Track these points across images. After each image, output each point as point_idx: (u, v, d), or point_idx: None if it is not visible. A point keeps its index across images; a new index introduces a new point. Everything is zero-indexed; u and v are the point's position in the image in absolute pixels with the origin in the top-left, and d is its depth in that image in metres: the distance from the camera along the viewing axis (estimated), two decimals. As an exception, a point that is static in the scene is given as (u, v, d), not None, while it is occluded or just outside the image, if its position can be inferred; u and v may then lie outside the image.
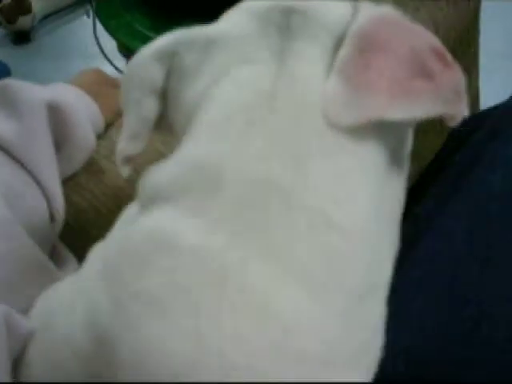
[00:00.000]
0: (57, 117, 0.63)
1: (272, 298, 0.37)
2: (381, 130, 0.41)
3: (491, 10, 1.31)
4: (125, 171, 0.49)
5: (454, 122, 0.41)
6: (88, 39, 1.61)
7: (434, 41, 0.42)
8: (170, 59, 0.46)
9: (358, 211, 0.39)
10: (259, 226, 0.38)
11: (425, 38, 0.42)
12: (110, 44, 1.61)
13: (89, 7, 1.57)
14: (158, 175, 0.43)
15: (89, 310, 0.40)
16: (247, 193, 0.39)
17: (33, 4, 1.77)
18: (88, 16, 1.60)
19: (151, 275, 0.38)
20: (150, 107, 0.47)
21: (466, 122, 0.84)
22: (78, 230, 0.65)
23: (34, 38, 1.83)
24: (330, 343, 0.37)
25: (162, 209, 0.40)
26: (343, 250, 0.38)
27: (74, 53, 1.74)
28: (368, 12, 0.43)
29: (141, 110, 0.47)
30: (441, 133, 0.81)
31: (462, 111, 0.41)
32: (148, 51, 0.47)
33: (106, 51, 1.60)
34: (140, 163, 0.48)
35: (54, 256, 0.62)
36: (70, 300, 0.44)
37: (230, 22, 0.46)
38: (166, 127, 0.48)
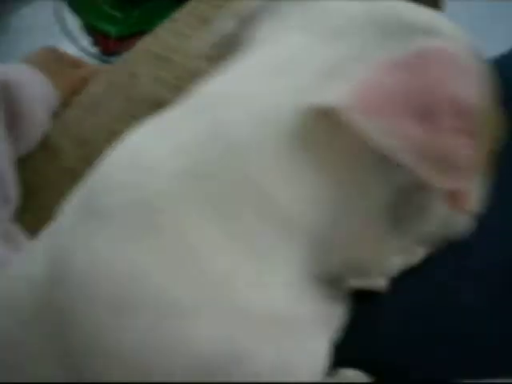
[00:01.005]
0: (7, 95, 0.62)
1: (211, 260, 0.37)
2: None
3: (494, 12, 1.32)
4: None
5: (459, 207, 0.37)
6: (51, 18, 1.59)
7: (471, 99, 0.35)
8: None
9: (311, 210, 0.38)
10: (217, 194, 0.37)
11: (465, 91, 0.36)
12: (74, 22, 1.59)
13: (52, -15, 1.55)
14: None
15: (51, 234, 0.41)
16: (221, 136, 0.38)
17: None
18: (50, -6, 1.57)
19: (113, 192, 0.38)
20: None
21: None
22: (32, 210, 0.64)
23: (-5, 16, 1.80)
24: (275, 308, 0.38)
25: (136, 132, 0.41)
26: (283, 235, 0.38)
27: (37, 31, 1.71)
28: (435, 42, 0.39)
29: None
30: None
31: (455, 185, 0.35)
32: None
33: (70, 30, 1.58)
34: (91, 142, 0.48)
35: (8, 240, 0.60)
36: (31, 249, 0.44)
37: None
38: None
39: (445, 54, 0.37)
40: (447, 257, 0.59)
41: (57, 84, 0.70)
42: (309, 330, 0.40)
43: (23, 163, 0.65)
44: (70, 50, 0.81)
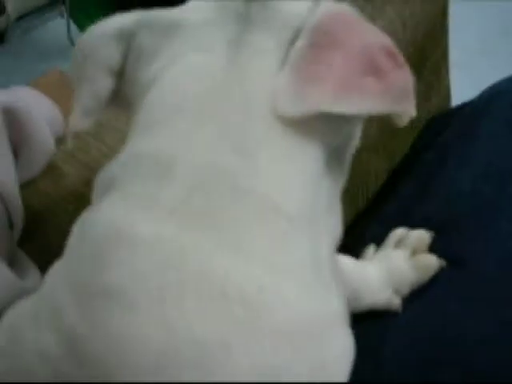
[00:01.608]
0: (14, 121, 0.62)
1: (232, 278, 0.37)
2: (327, 125, 0.42)
3: (466, 7, 1.31)
4: (69, 144, 0.50)
5: (402, 123, 0.42)
6: (63, 40, 1.60)
7: (387, 41, 0.43)
8: (128, 39, 0.46)
9: (300, 199, 0.40)
10: (210, 213, 0.38)
11: (378, 38, 0.43)
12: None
13: (63, 8, 1.56)
14: (110, 167, 0.43)
15: (54, 315, 0.40)
16: (196, 180, 0.39)
17: (7, 4, 1.75)
18: (62, 16, 1.59)
19: (110, 269, 0.38)
20: (104, 85, 0.47)
21: (435, 121, 0.84)
22: (37, 235, 0.64)
23: (8, 38, 1.81)
24: (298, 309, 0.38)
25: (115, 200, 0.41)
26: (290, 232, 0.39)
27: (48, 54, 1.73)
28: (326, 8, 0.43)
29: (95, 86, 0.47)
30: (410, 132, 0.81)
31: (409, 111, 0.42)
32: (106, 28, 0.47)
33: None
34: (96, 165, 0.48)
35: (14, 265, 0.60)
36: (34, 311, 0.43)
37: (191, 7, 0.46)
38: (121, 104, 0.48)
39: (346, 14, 0.44)
40: (457, 285, 0.59)
41: (63, 108, 0.70)
42: (333, 328, 0.41)
43: (27, 187, 0.64)
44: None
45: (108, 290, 0.38)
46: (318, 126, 0.41)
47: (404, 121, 0.42)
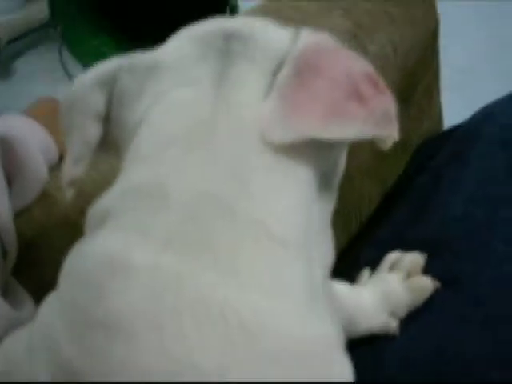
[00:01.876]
0: (8, 150, 0.62)
1: (230, 303, 0.37)
2: (316, 151, 0.43)
3: (453, 27, 1.32)
4: (69, 193, 0.50)
5: (386, 146, 0.44)
6: (55, 63, 1.60)
7: (368, 67, 0.44)
8: (111, 85, 0.47)
9: (293, 224, 0.41)
10: (206, 241, 0.39)
11: (359, 64, 0.45)
12: (77, 68, 1.60)
13: (55, 31, 1.57)
14: (104, 200, 0.44)
15: (49, 348, 0.40)
16: (190, 208, 0.39)
17: (-2, 28, 1.76)
18: (54, 40, 1.59)
19: (108, 300, 0.38)
20: (93, 131, 0.48)
21: (427, 144, 0.84)
22: (31, 264, 0.64)
23: (-1, 62, 1.81)
24: (295, 335, 0.38)
25: (110, 231, 0.41)
26: (285, 258, 0.40)
27: (40, 77, 1.72)
28: (307, 38, 0.45)
29: (83, 134, 0.48)
30: (403, 155, 0.81)
31: (392, 135, 0.43)
32: (89, 77, 0.48)
33: (73, 75, 1.59)
34: (90, 193, 0.48)
35: (7, 295, 0.60)
36: (29, 344, 0.43)
37: (171, 46, 0.48)
38: (111, 149, 0.49)
39: (327, 43, 0.45)
40: (452, 306, 0.59)
41: (56, 136, 0.70)
42: (330, 354, 0.40)
43: (20, 215, 0.64)
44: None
45: (105, 321, 0.37)
46: (308, 151, 0.42)
47: (388, 144, 0.43)
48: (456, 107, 0.96)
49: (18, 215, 0.64)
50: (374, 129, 0.42)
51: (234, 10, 1.51)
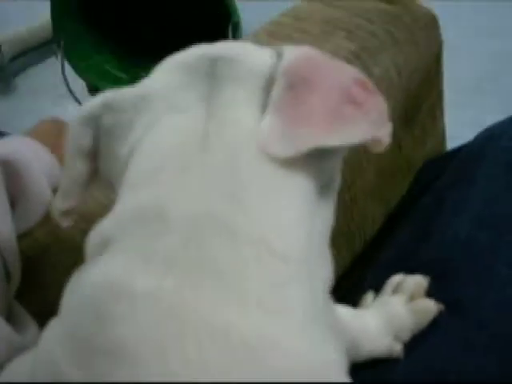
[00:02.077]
0: (11, 172, 0.62)
1: (234, 326, 0.37)
2: (312, 163, 0.43)
3: (458, 46, 1.33)
4: (64, 224, 0.52)
5: (380, 148, 0.45)
6: (57, 79, 1.60)
7: (356, 72, 0.46)
8: (96, 122, 0.48)
9: (294, 238, 0.41)
10: (208, 263, 0.39)
11: (348, 71, 0.46)
12: (79, 84, 1.61)
13: (57, 48, 1.57)
14: (102, 226, 0.44)
15: (53, 375, 0.39)
16: (190, 230, 0.39)
17: (1, 44, 1.76)
18: (56, 56, 1.59)
19: (111, 326, 0.38)
20: (80, 168, 0.49)
21: (431, 164, 0.84)
22: (35, 287, 0.64)
23: (2, 78, 1.82)
24: (299, 358, 0.38)
25: (111, 257, 0.41)
26: (288, 275, 0.40)
27: (43, 93, 1.73)
28: (292, 52, 0.46)
29: (71, 172, 0.49)
30: (407, 176, 0.81)
31: (387, 135, 0.44)
32: (78, 115, 0.49)
33: (76, 91, 1.60)
34: (94, 214, 0.49)
35: (11, 319, 0.59)
36: (32, 371, 0.42)
37: (157, 76, 0.48)
38: (104, 182, 0.50)
39: (314, 54, 0.46)
40: (455, 329, 0.59)
41: (60, 157, 0.70)
42: (333, 377, 0.40)
43: (23, 238, 0.64)
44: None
45: (109, 346, 0.37)
46: (305, 164, 0.42)
47: (382, 146, 0.45)
48: (462, 127, 0.97)
49: (22, 237, 0.63)
50: (373, 130, 0.43)
51: (236, 27, 1.51)
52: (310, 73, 0.44)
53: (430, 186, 0.75)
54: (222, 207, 0.40)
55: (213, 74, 0.45)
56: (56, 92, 1.63)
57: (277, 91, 0.43)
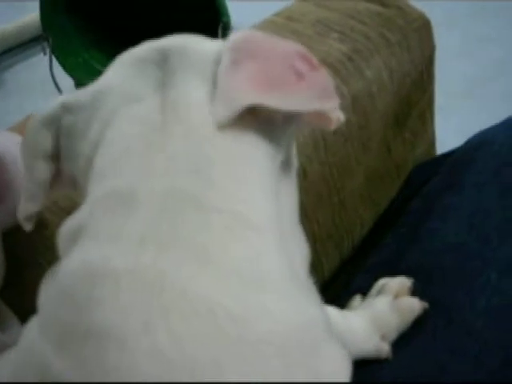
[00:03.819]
0: (-3, 168, 0.61)
1: (217, 302, 0.37)
2: (267, 135, 0.44)
3: (449, 51, 1.33)
4: (28, 227, 0.53)
5: (331, 125, 0.46)
6: (45, 76, 1.60)
7: (300, 47, 0.46)
8: (56, 123, 0.49)
9: (264, 210, 0.42)
10: (182, 236, 0.39)
11: (291, 45, 0.47)
12: (67, 81, 1.60)
13: (46, 45, 1.56)
14: (72, 221, 0.44)
15: (37, 368, 0.39)
16: (160, 206, 0.40)
17: (-11, 40, 1.75)
18: (45, 53, 1.58)
19: (92, 308, 0.38)
20: (42, 171, 0.50)
21: (420, 169, 0.84)
22: (19, 284, 0.63)
23: (-11, 75, 1.81)
24: (288, 320, 0.38)
25: (84, 244, 0.41)
26: (263, 245, 0.40)
27: (30, 90, 1.72)
28: (235, 34, 0.47)
29: (34, 173, 0.50)
30: (396, 180, 0.81)
31: (334, 109, 0.45)
32: (36, 118, 0.49)
33: (64, 88, 1.59)
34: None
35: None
36: (14, 367, 0.42)
37: (110, 72, 0.49)
38: (68, 183, 0.51)
39: (257, 33, 0.47)
40: (444, 335, 0.58)
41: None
42: (323, 339, 0.40)
43: (8, 236, 0.63)
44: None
45: (93, 330, 0.37)
46: (259, 139, 0.44)
47: (333, 123, 0.46)
48: (452, 132, 0.97)
49: (6, 236, 0.63)
50: (316, 102, 0.44)
51: (226, 27, 1.51)
52: (253, 48, 0.45)
53: (419, 190, 0.75)
54: (190, 182, 0.41)
55: (164, 63, 0.46)
56: (44, 89, 1.62)
57: (221, 67, 0.44)
